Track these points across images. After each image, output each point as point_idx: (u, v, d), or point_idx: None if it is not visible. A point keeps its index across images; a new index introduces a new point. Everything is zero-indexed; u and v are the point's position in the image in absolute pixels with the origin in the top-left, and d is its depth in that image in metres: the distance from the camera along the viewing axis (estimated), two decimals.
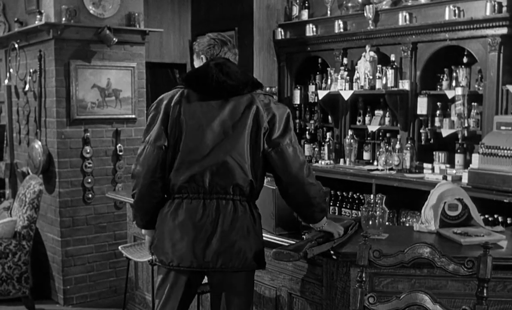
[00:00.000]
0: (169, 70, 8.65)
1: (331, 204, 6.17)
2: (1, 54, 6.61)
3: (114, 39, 5.53)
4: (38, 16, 5.51)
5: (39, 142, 5.69)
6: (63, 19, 5.38)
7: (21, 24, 5.93)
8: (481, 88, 5.20)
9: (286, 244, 3.19)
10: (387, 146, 5.86)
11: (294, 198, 3.07)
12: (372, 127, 6.19)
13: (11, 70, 6.20)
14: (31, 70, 5.84)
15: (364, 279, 2.53)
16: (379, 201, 3.25)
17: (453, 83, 5.35)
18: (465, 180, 4.88)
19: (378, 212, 3.22)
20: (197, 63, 3.22)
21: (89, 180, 5.74)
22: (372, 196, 3.29)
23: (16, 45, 5.99)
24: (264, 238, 3.41)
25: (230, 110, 2.99)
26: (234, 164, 2.95)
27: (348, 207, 6.20)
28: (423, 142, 5.69)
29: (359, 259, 2.54)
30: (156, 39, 7.58)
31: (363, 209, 3.26)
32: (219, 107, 2.99)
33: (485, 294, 2.34)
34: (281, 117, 3.04)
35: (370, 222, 3.24)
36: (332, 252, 3.01)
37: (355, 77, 6.16)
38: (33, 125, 5.95)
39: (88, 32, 5.55)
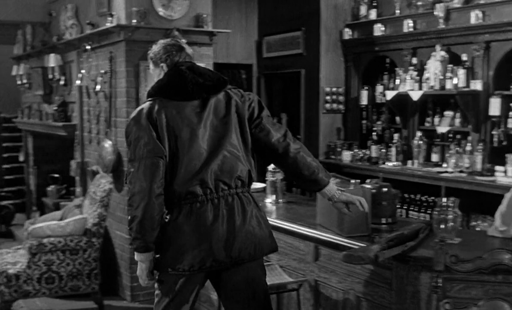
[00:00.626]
0: (235, 70, 8.71)
1: (398, 206, 6.06)
2: (73, 55, 6.78)
3: (183, 40, 5.57)
4: (109, 18, 5.62)
5: (109, 142, 5.81)
6: (133, 21, 5.48)
7: (93, 26, 6.07)
8: None
9: (355, 247, 3.15)
10: (457, 148, 5.72)
11: (294, 164, 3.13)
12: (442, 129, 6.05)
13: (82, 71, 6.35)
14: (102, 71, 5.96)
15: (439, 284, 2.46)
16: (451, 204, 3.15)
17: None
18: None
19: (450, 216, 3.13)
20: (157, 72, 3.17)
21: None
22: (444, 199, 3.20)
23: (88, 47, 6.14)
24: (332, 240, 3.37)
25: (213, 109, 3.05)
26: (232, 157, 3.02)
27: (415, 210, 6.08)
28: (495, 144, 5.53)
29: (435, 264, 2.48)
30: (223, 40, 7.63)
31: (435, 212, 3.18)
32: (202, 108, 3.04)
33: None
34: (255, 102, 3.15)
35: (442, 226, 3.15)
36: (403, 255, 2.95)
37: (424, 77, 6.04)
38: (103, 125, 6.08)
39: (157, 33, 5.61)
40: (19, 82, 8.66)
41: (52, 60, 7.00)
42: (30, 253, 4.96)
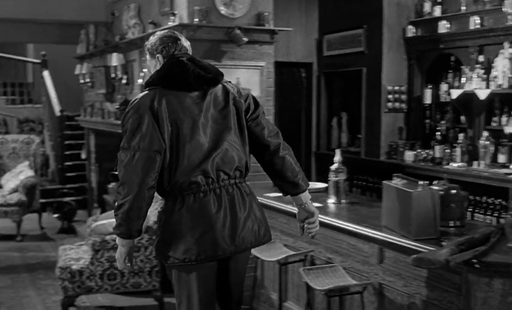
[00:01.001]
0: (295, 69, 8.66)
1: None
2: (135, 54, 6.85)
3: (244, 38, 5.57)
4: (172, 17, 5.65)
5: None
6: (195, 20, 5.49)
7: (155, 26, 6.11)
8: None
9: (423, 250, 3.06)
10: None
11: (285, 160, 3.18)
12: (510, 129, 5.85)
13: (144, 70, 6.41)
14: None
15: None
16: None
17: None
18: None
19: None
20: (153, 63, 3.19)
21: None
22: None
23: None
24: (398, 242, 3.29)
25: (213, 101, 3.08)
26: (232, 148, 3.07)
27: (481, 212, 5.89)
28: None
29: None
30: (283, 38, 7.58)
31: (509, 216, 3.05)
32: (201, 100, 3.06)
33: None
34: (250, 97, 3.22)
35: None
36: (474, 260, 2.84)
37: (492, 75, 5.85)
38: None
39: (219, 32, 5.62)
40: (82, 81, 8.82)
41: (115, 59, 7.09)
42: (93, 249, 5.02)
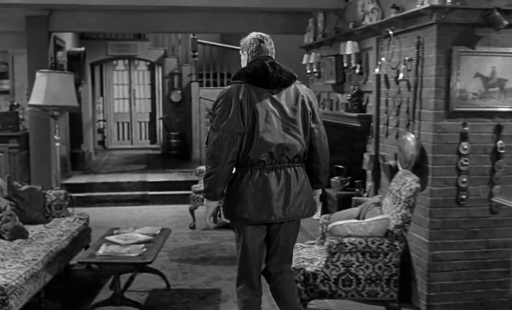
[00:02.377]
0: None
1: None
2: (371, 42, 6.38)
3: (504, 21, 4.84)
4: (420, 0, 5.08)
5: (412, 136, 5.30)
6: (448, 1, 4.86)
7: (398, 10, 5.58)
8: None
9: None
10: None
11: (322, 163, 4.12)
12: None
13: (382, 58, 5.91)
14: (405, 58, 5.46)
15: None
16: None
17: None
18: None
19: None
20: (243, 57, 4.11)
21: (464, 179, 5.16)
22: None
23: (390, 32, 5.68)
24: None
25: (285, 98, 3.93)
26: (295, 140, 3.92)
27: None
28: None
29: None
30: None
31: None
32: (277, 97, 3.91)
33: None
34: (315, 103, 4.08)
35: None
36: None
37: None
38: (404, 117, 5.59)
39: (474, 14, 4.94)
40: (308, 71, 8.55)
41: (349, 48, 6.67)
42: (329, 252, 4.65)
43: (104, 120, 17.13)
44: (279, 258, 4.12)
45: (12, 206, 5.96)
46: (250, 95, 3.82)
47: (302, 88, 4.02)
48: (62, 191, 6.69)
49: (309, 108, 3.97)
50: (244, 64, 4.08)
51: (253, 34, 4.06)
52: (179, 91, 14.65)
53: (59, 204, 6.56)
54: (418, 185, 4.73)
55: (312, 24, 8.75)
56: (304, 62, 8.65)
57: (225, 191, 3.98)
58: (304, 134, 3.95)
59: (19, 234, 5.62)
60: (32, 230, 5.94)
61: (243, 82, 3.87)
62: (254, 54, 4.01)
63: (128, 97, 17.55)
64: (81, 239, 6.27)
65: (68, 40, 12.16)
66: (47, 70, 8.29)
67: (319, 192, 4.29)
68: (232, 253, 7.01)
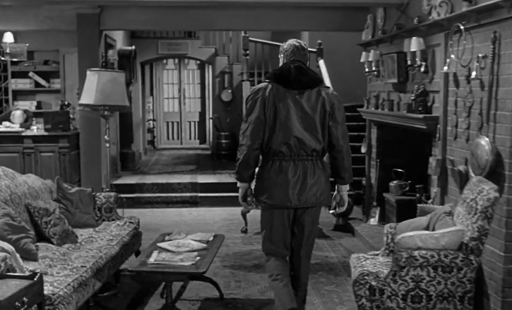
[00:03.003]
0: None
1: None
2: (439, 38, 5.96)
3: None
4: None
5: (486, 139, 4.88)
6: None
7: (470, 3, 5.16)
8: None
9: None
10: None
11: (341, 160, 4.48)
12: None
13: (451, 56, 5.49)
14: (479, 55, 5.04)
15: None
16: None
17: None
18: None
19: None
20: (280, 61, 4.58)
21: None
22: None
23: (462, 27, 5.26)
24: None
25: (306, 99, 4.38)
26: (312, 136, 4.36)
27: None
28: None
29: None
30: None
31: None
32: (299, 96, 4.37)
33: None
34: (338, 105, 4.46)
35: None
36: None
37: None
38: (476, 119, 5.16)
39: None
40: (367, 69, 8.15)
41: (414, 44, 6.24)
42: (397, 265, 4.28)
43: (154, 120, 17.03)
44: (302, 240, 4.59)
45: (61, 209, 5.78)
46: (275, 93, 4.35)
47: (326, 92, 4.45)
48: (112, 194, 6.47)
49: (328, 109, 4.39)
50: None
51: (291, 41, 4.54)
52: (230, 91, 14.41)
53: (109, 206, 6.36)
54: (497, 194, 4.31)
55: (370, 21, 8.36)
56: (362, 60, 8.24)
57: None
58: (322, 132, 4.39)
59: (68, 238, 5.42)
60: (82, 234, 5.73)
61: (271, 82, 4.41)
62: (288, 58, 4.49)
63: (178, 96, 17.42)
64: (132, 243, 6.03)
65: (119, 39, 12.05)
66: (97, 69, 8.10)
67: (345, 188, 4.63)
68: None
